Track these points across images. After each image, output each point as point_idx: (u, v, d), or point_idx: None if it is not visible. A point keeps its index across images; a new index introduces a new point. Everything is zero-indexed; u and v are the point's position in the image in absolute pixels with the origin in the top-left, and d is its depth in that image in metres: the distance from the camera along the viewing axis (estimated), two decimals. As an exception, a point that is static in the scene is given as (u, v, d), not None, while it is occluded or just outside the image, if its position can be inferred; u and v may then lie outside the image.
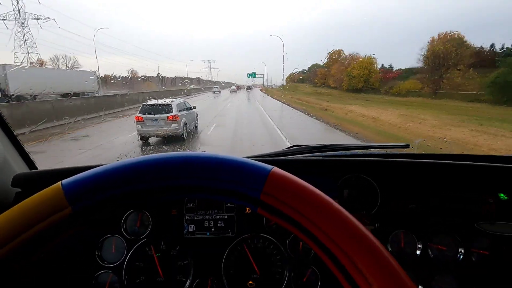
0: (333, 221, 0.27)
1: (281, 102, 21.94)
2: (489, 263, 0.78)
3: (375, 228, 0.83)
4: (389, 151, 1.13)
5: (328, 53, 43.00)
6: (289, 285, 0.79)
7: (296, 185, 0.30)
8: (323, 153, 1.01)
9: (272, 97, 28.95)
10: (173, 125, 6.80)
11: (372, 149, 1.11)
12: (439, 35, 28.86)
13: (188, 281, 0.78)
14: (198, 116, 8.94)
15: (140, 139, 6.92)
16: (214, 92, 33.40)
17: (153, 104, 7.17)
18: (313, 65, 55.03)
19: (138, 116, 6.73)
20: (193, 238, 0.82)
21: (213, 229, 0.84)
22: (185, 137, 7.31)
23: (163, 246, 0.80)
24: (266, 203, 0.30)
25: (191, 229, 0.84)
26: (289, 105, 19.18)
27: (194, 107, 8.53)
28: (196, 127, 8.65)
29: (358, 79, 28.66)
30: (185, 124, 7.36)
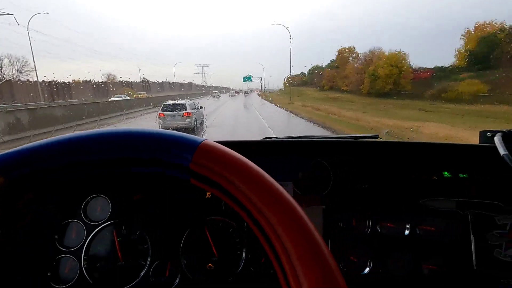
0: (261, 192, 0.27)
1: (294, 114, 15.00)
2: (435, 237, 0.82)
3: (327, 207, 0.86)
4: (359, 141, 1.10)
5: (337, 51, 37.08)
6: (247, 267, 0.80)
7: (226, 155, 0.30)
8: (297, 140, 1.02)
9: (276, 105, 22.42)
10: (187, 120, 9.07)
11: (341, 140, 1.07)
12: (477, 26, 22.78)
13: (147, 265, 0.79)
14: (204, 115, 11.14)
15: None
16: (213, 96, 35.02)
17: (172, 104, 9.45)
18: (315, 67, 49.54)
19: (160, 113, 9.19)
20: (153, 222, 0.82)
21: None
22: (195, 129, 9.33)
23: (124, 231, 0.80)
24: (198, 173, 0.30)
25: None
26: (318, 124, 11.32)
27: (201, 107, 10.85)
28: (202, 123, 10.47)
29: (386, 80, 22.17)
30: (196, 120, 9.63)
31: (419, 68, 23.96)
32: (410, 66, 22.32)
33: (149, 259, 0.79)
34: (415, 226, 0.82)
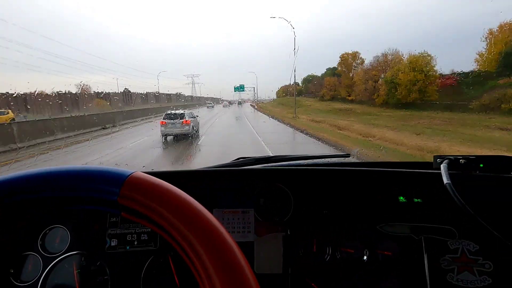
0: (188, 221, 0.27)
1: (311, 136, 10.30)
2: (392, 262, 0.81)
3: (287, 234, 0.85)
4: (330, 160, 1.16)
5: (340, 57, 33.43)
6: None
7: (154, 186, 0.30)
8: (264, 165, 1.03)
9: (276, 119, 18.04)
10: (186, 127, 10.08)
11: (314, 159, 1.12)
12: (502, 26, 19.28)
13: None
14: (200, 123, 12.18)
15: (163, 136, 10.09)
16: (208, 107, 35.14)
17: (172, 113, 10.20)
18: (309, 76, 46.13)
19: (162, 121, 10.08)
20: (114, 253, 0.80)
21: (136, 243, 0.82)
22: (192, 136, 10.36)
23: (83, 262, 0.78)
24: (127, 207, 0.30)
25: (113, 244, 0.81)
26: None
27: (197, 116, 11.75)
28: (197, 131, 11.32)
29: (409, 87, 18.03)
30: (193, 127, 10.57)
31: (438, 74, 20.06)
32: (437, 71, 18.30)
33: None
34: (373, 251, 0.83)
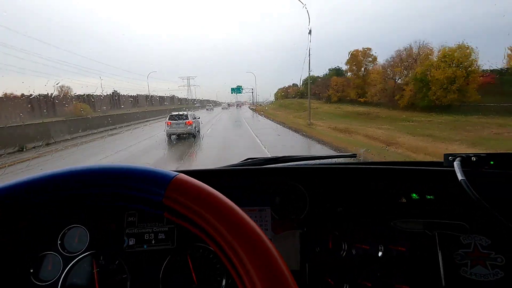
0: (232, 227, 0.28)
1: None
2: (406, 258, 0.83)
3: (304, 231, 0.87)
4: (337, 161, 1.17)
5: (349, 53, 30.38)
6: None
7: (198, 189, 0.31)
8: (273, 165, 1.04)
9: (287, 127, 14.67)
10: (188, 127, 10.89)
11: (322, 159, 1.13)
12: None
13: None
14: (201, 124, 13.12)
15: (167, 135, 10.93)
16: (207, 109, 35.29)
17: (177, 114, 11.20)
18: (310, 77, 43.44)
19: (168, 121, 10.94)
20: (133, 252, 0.81)
21: (153, 242, 0.83)
22: (195, 135, 11.32)
23: (102, 261, 0.79)
24: (171, 208, 0.31)
25: (131, 243, 0.82)
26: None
27: (199, 117, 12.75)
28: (198, 131, 12.16)
29: (446, 86, 14.82)
30: (195, 127, 11.51)
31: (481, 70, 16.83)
32: (480, 67, 15.13)
33: None
34: (387, 247, 0.84)
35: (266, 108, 37.46)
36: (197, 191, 0.30)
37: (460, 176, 0.74)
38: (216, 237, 0.28)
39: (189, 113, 11.57)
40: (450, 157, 0.86)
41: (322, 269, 0.84)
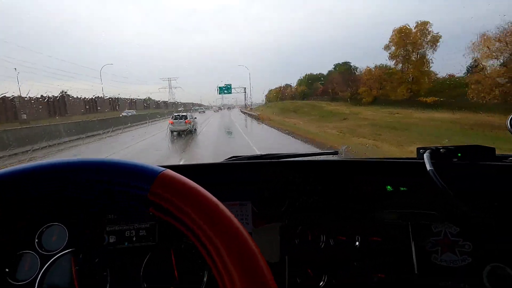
0: (212, 221, 0.28)
1: None
2: (382, 247, 0.86)
3: (284, 224, 0.89)
4: (319, 158, 1.18)
5: (395, 32, 20.57)
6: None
7: (183, 185, 0.31)
8: (256, 160, 1.05)
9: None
10: (188, 125, 13.14)
11: (304, 157, 1.15)
12: None
13: None
14: (198, 123, 16.04)
15: (171, 132, 13.00)
16: (199, 112, 35.18)
17: (178, 115, 13.52)
18: (309, 76, 36.72)
19: (170, 121, 13.30)
20: (113, 249, 0.81)
21: (134, 239, 0.82)
22: (193, 132, 13.59)
23: (81, 259, 0.78)
24: (156, 203, 0.31)
25: (111, 240, 0.81)
26: None
27: (195, 118, 15.81)
28: (195, 129, 14.55)
29: None
30: (193, 125, 13.91)
31: None
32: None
33: (108, 287, 0.76)
34: (364, 237, 0.87)
35: (261, 112, 27.66)
36: (182, 187, 0.30)
37: (428, 166, 0.79)
38: (197, 231, 0.28)
39: (188, 114, 14.37)
40: (421, 150, 0.91)
41: (302, 261, 0.86)
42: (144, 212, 0.81)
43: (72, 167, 0.31)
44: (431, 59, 18.89)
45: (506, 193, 0.82)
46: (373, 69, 22.41)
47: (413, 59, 19.87)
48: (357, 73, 27.25)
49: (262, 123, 19.12)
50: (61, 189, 0.31)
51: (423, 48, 18.43)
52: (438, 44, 18.71)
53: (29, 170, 0.31)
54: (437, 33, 17.63)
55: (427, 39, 19.34)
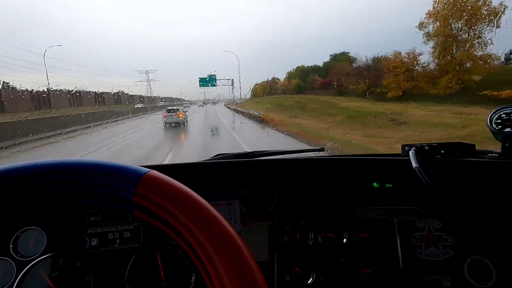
0: (200, 222, 0.28)
1: None
2: (368, 243, 0.87)
3: (272, 223, 0.89)
4: (306, 155, 1.18)
5: (430, 10, 15.95)
6: None
7: (168, 186, 0.30)
8: (242, 159, 1.05)
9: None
10: (180, 118, 14.95)
11: (290, 154, 1.14)
12: None
13: None
14: (188, 116, 17.59)
15: (164, 124, 14.72)
16: (184, 107, 33.21)
17: (171, 108, 15.32)
18: (300, 67, 34.08)
19: (164, 114, 14.98)
20: (96, 252, 0.78)
21: (118, 241, 0.80)
22: (185, 124, 15.51)
23: (61, 264, 0.75)
24: (140, 205, 0.30)
25: (93, 243, 0.79)
26: None
27: (186, 111, 17.69)
28: (187, 121, 16.35)
29: None
30: (184, 118, 15.78)
31: None
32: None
33: None
34: (351, 234, 0.88)
35: (252, 108, 23.11)
36: (167, 188, 0.29)
37: (414, 164, 0.80)
38: (184, 233, 0.27)
39: (180, 108, 16.29)
40: (406, 147, 0.92)
41: (290, 258, 0.87)
42: (127, 214, 0.79)
43: (51, 168, 0.29)
44: (489, 39, 14.07)
45: (484, 188, 0.85)
46: (404, 54, 17.54)
47: (463, 38, 14.99)
48: (374, 63, 22.23)
49: (273, 128, 14.03)
50: (37, 191, 0.30)
51: (485, 22, 13.63)
52: (500, 20, 13.90)
53: (3, 172, 0.29)
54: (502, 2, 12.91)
55: (483, 8, 14.46)
